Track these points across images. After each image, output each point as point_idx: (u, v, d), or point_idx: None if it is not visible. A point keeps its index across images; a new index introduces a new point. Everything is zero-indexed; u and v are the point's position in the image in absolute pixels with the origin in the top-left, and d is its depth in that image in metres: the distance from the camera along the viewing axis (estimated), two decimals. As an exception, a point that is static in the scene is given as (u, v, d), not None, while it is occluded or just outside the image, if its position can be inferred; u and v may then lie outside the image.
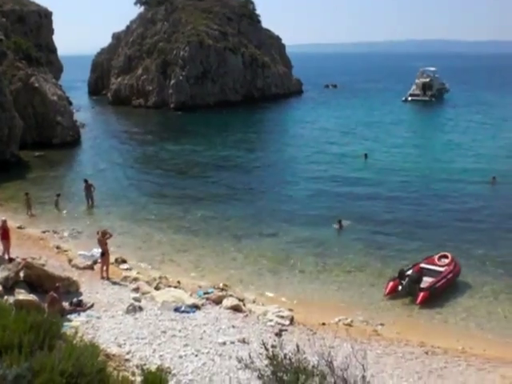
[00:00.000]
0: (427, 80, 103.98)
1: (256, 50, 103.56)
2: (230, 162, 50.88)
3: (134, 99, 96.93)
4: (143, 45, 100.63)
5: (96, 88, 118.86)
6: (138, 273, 23.99)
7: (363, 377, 8.97)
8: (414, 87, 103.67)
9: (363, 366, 9.06)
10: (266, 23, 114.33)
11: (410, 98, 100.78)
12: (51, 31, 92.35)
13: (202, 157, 53.74)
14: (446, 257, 25.11)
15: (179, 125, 78.17)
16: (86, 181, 36.86)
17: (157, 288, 22.08)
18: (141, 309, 19.49)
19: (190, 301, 20.49)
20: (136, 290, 21.63)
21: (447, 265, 24.59)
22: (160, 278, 23.17)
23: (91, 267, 24.34)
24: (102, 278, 22.96)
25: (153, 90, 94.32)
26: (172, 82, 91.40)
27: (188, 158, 53.65)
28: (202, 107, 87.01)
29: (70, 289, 20.62)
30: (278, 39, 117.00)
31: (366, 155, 50.71)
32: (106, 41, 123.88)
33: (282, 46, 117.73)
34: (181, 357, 15.80)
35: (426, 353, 18.08)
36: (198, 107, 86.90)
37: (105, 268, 23.18)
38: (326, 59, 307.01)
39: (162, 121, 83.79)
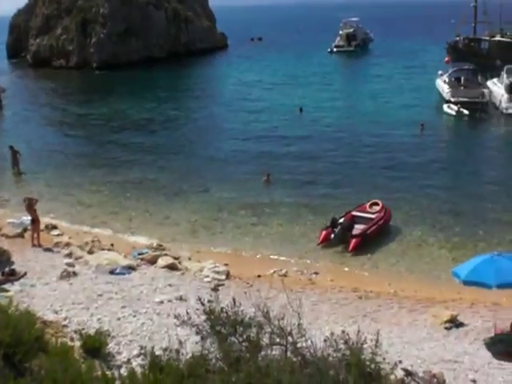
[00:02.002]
0: (351, 30, 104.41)
1: (178, 4, 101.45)
2: (157, 121, 50.09)
3: (55, 60, 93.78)
4: (61, 3, 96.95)
5: (15, 51, 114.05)
6: (69, 238, 23.61)
7: (299, 324, 9.18)
8: (338, 38, 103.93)
9: (299, 314, 9.26)
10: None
11: (335, 49, 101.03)
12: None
13: (128, 117, 52.70)
14: (376, 204, 25.68)
15: (103, 84, 76.29)
16: (11, 147, 35.71)
17: (90, 252, 21.84)
18: (75, 274, 19.30)
19: (125, 262, 20.41)
20: (69, 255, 21.33)
21: (378, 211, 25.17)
22: (92, 241, 22.82)
23: (21, 235, 23.82)
24: (34, 245, 22.54)
25: (73, 49, 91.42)
26: (93, 40, 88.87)
27: (114, 118, 52.46)
28: (126, 65, 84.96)
29: (0, 258, 20.16)
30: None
31: (301, 109, 50.51)
32: (22, 1, 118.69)
33: (205, 0, 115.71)
34: (119, 319, 15.79)
35: (360, 298, 18.66)
36: (121, 65, 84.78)
37: (35, 235, 22.73)
38: (250, 12, 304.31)
39: (85, 81, 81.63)
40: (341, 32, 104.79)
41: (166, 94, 63.91)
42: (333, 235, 23.59)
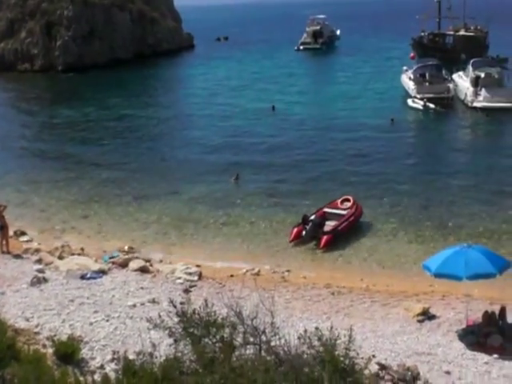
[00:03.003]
0: (317, 28, 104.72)
1: (144, 5, 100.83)
2: (123, 124, 49.54)
3: (20, 64, 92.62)
4: (25, 7, 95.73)
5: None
6: (39, 244, 23.38)
7: (272, 323, 9.19)
8: (305, 35, 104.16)
9: (271, 312, 9.27)
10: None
11: (301, 47, 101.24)
12: None
13: (94, 121, 51.96)
14: (348, 200, 25.76)
15: (69, 88, 75.50)
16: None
17: (60, 257, 21.60)
18: (45, 280, 19.06)
19: (96, 266, 20.23)
20: (39, 261, 21.05)
21: (349, 208, 25.25)
22: (62, 246, 22.62)
23: (-11, 242, 23.47)
24: (3, 252, 22.21)
25: (38, 52, 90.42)
26: (58, 43, 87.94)
27: (80, 122, 51.64)
28: (92, 67, 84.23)
29: (-32, 267, 19.86)
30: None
31: (273, 107, 50.28)
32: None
33: (170, 0, 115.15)
34: (91, 324, 15.67)
35: (333, 294, 18.73)
36: (87, 68, 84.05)
37: (4, 242, 22.41)
38: (215, 11, 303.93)
39: (51, 84, 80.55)
40: (307, 29, 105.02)
41: (132, 97, 63.17)
42: (304, 232, 23.63)
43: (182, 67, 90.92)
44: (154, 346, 9.64)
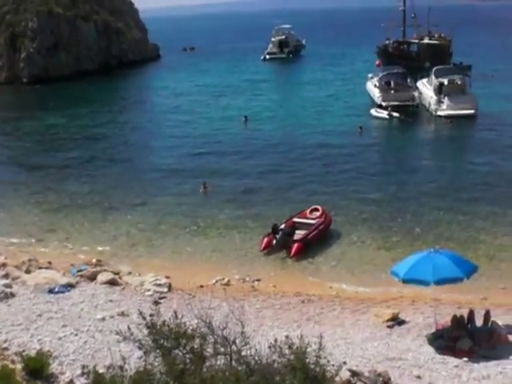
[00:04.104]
0: (283, 37, 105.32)
1: (109, 16, 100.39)
2: (90, 135, 48.86)
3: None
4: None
5: None
6: (5, 258, 22.97)
7: (243, 332, 9.18)
8: (270, 45, 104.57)
9: (242, 322, 9.26)
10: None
11: (268, 57, 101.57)
12: None
13: (60, 132, 51.09)
14: (317, 210, 25.95)
15: (34, 100, 74.69)
16: None
17: (27, 271, 21.32)
18: (13, 295, 18.80)
19: (64, 280, 20.01)
20: (5, 276, 20.74)
21: (318, 217, 25.44)
22: (29, 260, 22.28)
23: (-45, 258, 23.07)
24: (-32, 268, 21.85)
25: (3, 65, 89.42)
26: (23, 55, 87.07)
27: (45, 134, 51.04)
28: (57, 79, 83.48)
29: None
30: (130, 4, 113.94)
31: (245, 118, 49.87)
32: None
33: (135, 11, 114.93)
34: (60, 338, 15.48)
35: (303, 301, 18.80)
36: (53, 79, 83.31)
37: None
38: (182, 22, 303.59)
39: (16, 97, 79.74)
40: (273, 39, 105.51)
41: (98, 108, 62.57)
42: (274, 241, 23.68)
43: (148, 78, 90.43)
44: (123, 359, 9.54)
